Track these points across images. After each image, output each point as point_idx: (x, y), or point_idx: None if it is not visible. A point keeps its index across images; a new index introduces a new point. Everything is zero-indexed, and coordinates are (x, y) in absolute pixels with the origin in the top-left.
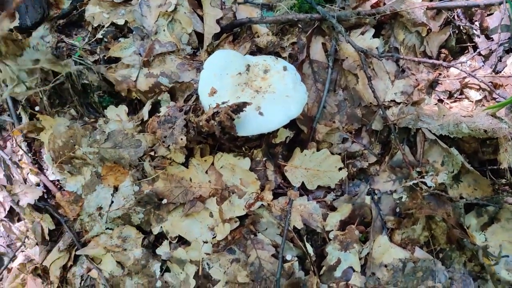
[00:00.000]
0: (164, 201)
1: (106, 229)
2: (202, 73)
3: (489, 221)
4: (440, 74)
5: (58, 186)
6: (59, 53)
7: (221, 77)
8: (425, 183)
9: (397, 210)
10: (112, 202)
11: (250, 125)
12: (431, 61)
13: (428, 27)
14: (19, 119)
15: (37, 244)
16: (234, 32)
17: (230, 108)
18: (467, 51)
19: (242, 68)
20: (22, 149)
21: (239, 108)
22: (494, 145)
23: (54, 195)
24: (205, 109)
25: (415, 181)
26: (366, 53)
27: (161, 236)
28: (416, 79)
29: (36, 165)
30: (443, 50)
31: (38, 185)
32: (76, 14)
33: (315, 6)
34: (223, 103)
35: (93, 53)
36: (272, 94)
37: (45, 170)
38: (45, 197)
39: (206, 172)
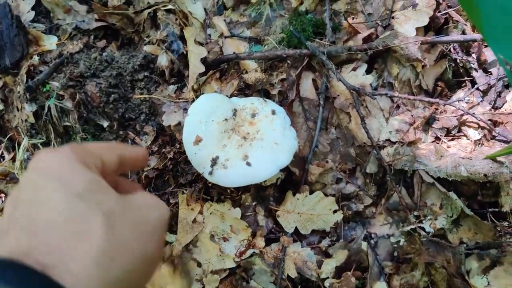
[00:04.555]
0: None
1: None
2: (186, 119)
3: (491, 264)
4: (437, 109)
5: None
6: (39, 94)
7: (206, 124)
8: (423, 229)
9: (395, 254)
10: None
11: (237, 176)
12: (427, 99)
13: (423, 63)
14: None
15: None
16: (221, 68)
17: None
18: (464, 84)
19: (229, 113)
20: None
21: None
22: (494, 187)
23: None
24: (189, 158)
25: (412, 226)
26: (358, 91)
27: None
28: (412, 115)
29: None
30: (439, 83)
31: None
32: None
33: (304, 41)
34: (212, 159)
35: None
36: (260, 141)
37: None
38: None
39: (194, 221)
